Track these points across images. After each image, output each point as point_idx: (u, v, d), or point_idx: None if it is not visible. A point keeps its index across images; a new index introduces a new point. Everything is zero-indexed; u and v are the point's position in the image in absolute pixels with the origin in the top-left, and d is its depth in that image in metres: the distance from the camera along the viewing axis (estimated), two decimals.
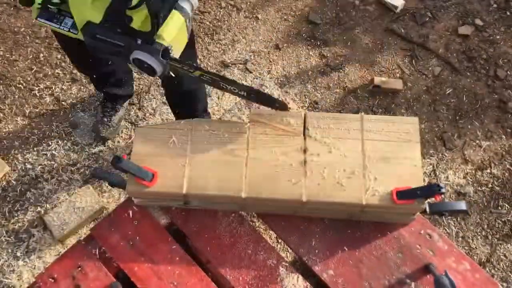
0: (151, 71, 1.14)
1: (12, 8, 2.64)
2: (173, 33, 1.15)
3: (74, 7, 1.13)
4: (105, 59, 1.89)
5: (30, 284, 1.32)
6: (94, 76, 2.09)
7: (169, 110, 2.36)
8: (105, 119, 2.25)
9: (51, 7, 1.20)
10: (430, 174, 2.23)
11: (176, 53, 1.19)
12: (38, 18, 1.20)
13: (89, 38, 1.15)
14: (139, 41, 1.11)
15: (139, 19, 1.12)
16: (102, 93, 2.28)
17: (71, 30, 1.20)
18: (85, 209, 2.07)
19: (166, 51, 1.13)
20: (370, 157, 1.26)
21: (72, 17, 1.17)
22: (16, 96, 2.40)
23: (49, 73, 2.46)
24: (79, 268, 1.29)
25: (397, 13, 2.69)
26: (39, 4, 1.19)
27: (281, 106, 1.33)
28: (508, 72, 2.50)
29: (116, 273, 1.31)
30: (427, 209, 1.26)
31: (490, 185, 2.22)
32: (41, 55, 2.51)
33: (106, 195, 2.18)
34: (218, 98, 2.44)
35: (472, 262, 1.30)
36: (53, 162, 2.24)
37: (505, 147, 2.32)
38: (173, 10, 1.15)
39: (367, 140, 1.29)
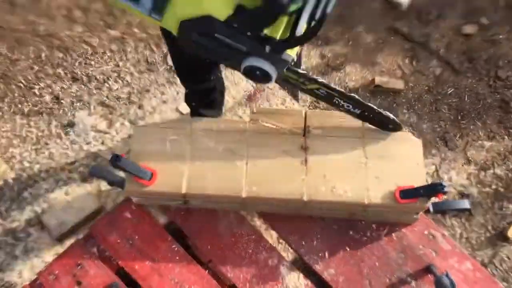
0: (264, 80, 0.98)
1: (7, 4, 2.60)
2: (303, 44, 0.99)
3: None
4: (209, 72, 1.56)
5: (31, 281, 1.31)
6: (192, 89, 1.75)
7: (169, 109, 2.35)
8: None
9: None
10: (432, 174, 2.21)
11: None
12: None
13: (200, 36, 0.91)
14: (267, 49, 0.92)
15: (275, 24, 0.90)
16: (189, 107, 1.92)
17: (152, 15, 0.92)
18: (83, 208, 2.05)
19: (290, 63, 0.99)
20: (371, 156, 1.25)
21: None
22: (16, 95, 2.39)
23: (50, 72, 2.45)
24: (79, 266, 1.29)
25: (402, 11, 2.66)
26: None
27: (395, 127, 1.26)
28: (509, 73, 2.48)
29: (117, 271, 1.31)
30: (431, 209, 1.26)
31: (493, 186, 2.20)
32: (43, 54, 2.50)
33: (104, 194, 2.17)
34: None
35: (474, 261, 1.29)
36: (50, 161, 2.23)
37: (507, 147, 2.30)
38: None
39: (368, 139, 1.28)
